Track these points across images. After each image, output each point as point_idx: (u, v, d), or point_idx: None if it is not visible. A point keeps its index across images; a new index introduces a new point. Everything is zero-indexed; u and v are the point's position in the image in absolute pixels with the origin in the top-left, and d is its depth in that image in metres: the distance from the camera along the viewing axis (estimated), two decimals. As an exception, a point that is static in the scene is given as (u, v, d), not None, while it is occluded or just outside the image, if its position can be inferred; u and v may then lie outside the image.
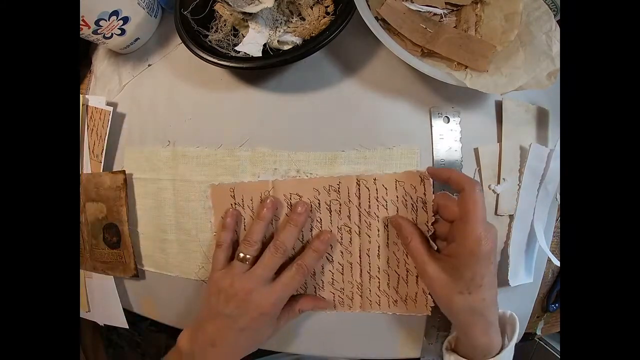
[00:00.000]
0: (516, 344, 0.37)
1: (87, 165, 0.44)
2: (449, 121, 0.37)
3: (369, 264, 0.38)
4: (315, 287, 0.39)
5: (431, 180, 0.34)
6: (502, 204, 0.38)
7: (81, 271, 0.46)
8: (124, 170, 0.42)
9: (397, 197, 0.36)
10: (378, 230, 0.37)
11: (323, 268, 0.38)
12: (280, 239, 0.35)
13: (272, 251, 0.35)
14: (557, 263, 0.38)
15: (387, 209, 0.36)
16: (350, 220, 0.37)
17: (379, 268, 0.37)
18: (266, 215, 0.36)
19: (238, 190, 0.38)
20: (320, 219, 0.37)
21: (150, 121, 0.42)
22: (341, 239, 0.37)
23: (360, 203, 0.36)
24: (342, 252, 0.38)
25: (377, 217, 0.36)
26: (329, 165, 0.37)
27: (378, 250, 0.37)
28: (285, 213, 0.38)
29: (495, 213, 0.38)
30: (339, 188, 0.37)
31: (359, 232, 0.37)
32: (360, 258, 0.38)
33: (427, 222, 0.35)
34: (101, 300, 0.46)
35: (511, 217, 0.39)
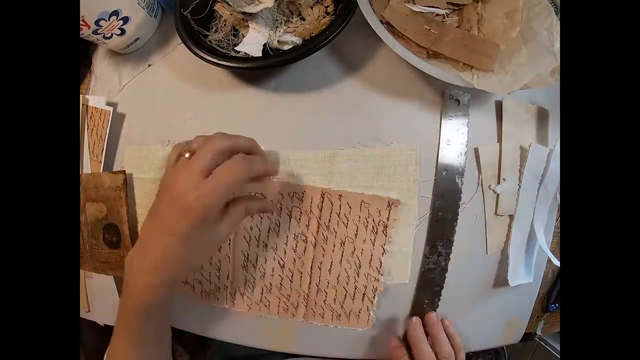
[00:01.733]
0: (516, 344, 0.37)
1: (87, 165, 0.44)
2: (459, 104, 0.37)
3: (319, 277, 0.38)
4: (262, 289, 0.39)
5: (398, 207, 0.34)
6: (502, 204, 0.38)
7: (81, 271, 0.46)
8: (124, 170, 0.42)
9: (360, 217, 0.35)
10: (334, 246, 0.37)
11: (273, 271, 0.38)
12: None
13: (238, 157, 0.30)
14: (557, 263, 0.38)
15: (346, 227, 0.36)
16: (307, 230, 0.37)
17: (328, 282, 0.38)
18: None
19: None
20: (279, 223, 0.37)
21: (150, 121, 0.42)
22: (296, 246, 0.37)
23: (321, 216, 0.36)
24: (294, 260, 0.38)
25: (335, 232, 0.36)
26: (328, 164, 0.37)
27: (330, 266, 0.37)
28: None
29: (495, 213, 0.38)
30: (302, 196, 0.36)
31: (315, 243, 0.37)
32: (311, 270, 0.38)
33: (384, 244, 0.35)
34: (101, 300, 0.46)
35: (511, 217, 0.39)
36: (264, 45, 0.38)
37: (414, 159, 0.37)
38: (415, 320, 0.37)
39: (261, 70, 0.39)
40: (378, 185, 0.37)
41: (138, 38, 0.42)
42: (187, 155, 0.29)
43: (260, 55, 0.37)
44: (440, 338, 0.36)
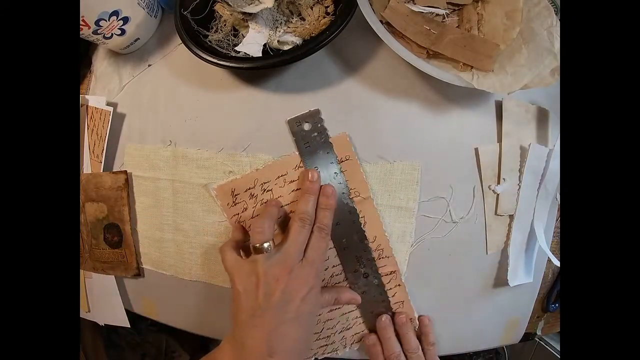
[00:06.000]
0: (516, 344, 0.37)
1: (87, 165, 0.44)
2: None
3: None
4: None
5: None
6: (502, 204, 0.38)
7: (81, 271, 0.46)
8: (126, 171, 0.42)
9: None
10: None
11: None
12: (301, 209, 0.33)
13: (299, 224, 0.33)
14: (557, 263, 0.38)
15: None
16: None
17: None
18: (269, 211, 0.35)
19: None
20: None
21: (151, 121, 0.42)
22: None
23: None
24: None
25: None
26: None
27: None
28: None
29: (495, 213, 0.38)
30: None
31: None
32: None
33: None
34: (101, 300, 0.46)
35: (511, 217, 0.39)
36: (264, 45, 0.38)
37: (416, 177, 0.37)
38: (385, 318, 0.38)
39: (261, 70, 0.39)
40: (379, 203, 0.37)
41: (138, 38, 0.42)
42: (259, 246, 0.32)
43: (260, 55, 0.37)
44: (407, 336, 0.38)
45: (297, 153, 0.37)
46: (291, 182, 0.37)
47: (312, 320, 0.33)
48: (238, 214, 0.38)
